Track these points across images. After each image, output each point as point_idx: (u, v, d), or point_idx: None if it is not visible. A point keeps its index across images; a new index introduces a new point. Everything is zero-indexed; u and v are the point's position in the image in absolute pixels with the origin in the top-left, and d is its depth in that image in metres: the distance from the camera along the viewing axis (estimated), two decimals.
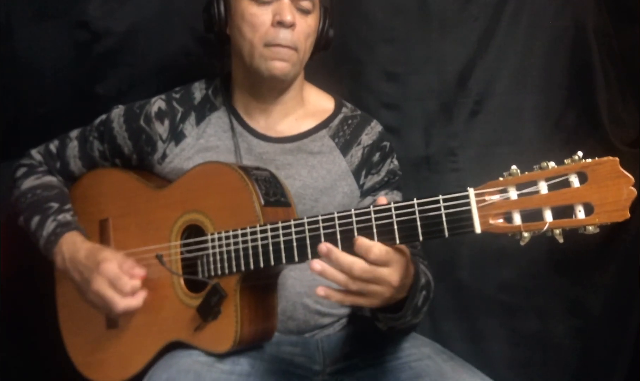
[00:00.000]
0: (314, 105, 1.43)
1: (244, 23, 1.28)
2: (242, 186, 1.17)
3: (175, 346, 1.22)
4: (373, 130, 1.42)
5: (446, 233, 0.97)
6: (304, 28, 1.29)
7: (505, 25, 1.72)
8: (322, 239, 1.07)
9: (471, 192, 0.97)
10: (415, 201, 1.00)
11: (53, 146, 1.46)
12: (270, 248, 1.12)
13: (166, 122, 1.37)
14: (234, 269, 1.16)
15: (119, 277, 1.21)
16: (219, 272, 1.18)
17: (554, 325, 1.75)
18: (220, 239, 1.18)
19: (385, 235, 1.02)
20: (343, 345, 1.35)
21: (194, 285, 1.22)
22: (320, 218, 1.07)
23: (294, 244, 1.10)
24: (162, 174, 1.36)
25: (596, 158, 0.89)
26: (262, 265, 1.13)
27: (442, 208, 0.98)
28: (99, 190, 1.40)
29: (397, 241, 1.01)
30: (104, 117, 1.42)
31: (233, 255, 1.16)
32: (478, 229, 0.96)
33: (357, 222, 1.04)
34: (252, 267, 1.14)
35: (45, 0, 1.69)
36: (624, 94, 1.74)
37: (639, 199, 0.90)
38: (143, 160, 1.38)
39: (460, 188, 1.69)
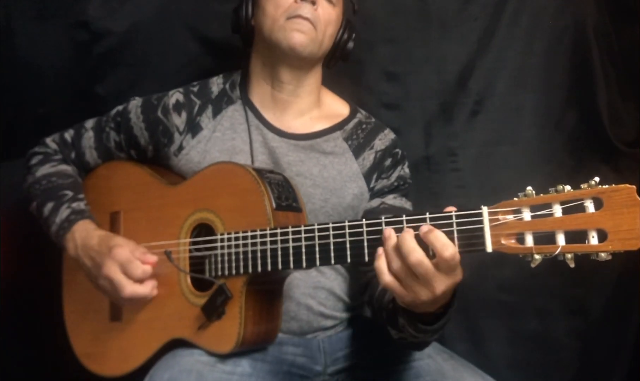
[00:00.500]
0: (329, 107, 1.45)
1: (269, 2, 1.32)
2: (254, 188, 1.17)
3: (177, 344, 1.22)
4: (386, 137, 1.43)
5: (457, 250, 0.96)
6: (326, 12, 1.33)
7: (505, 25, 1.72)
8: (332, 247, 1.06)
9: (485, 210, 0.96)
10: (427, 215, 0.99)
11: (68, 135, 1.46)
12: (279, 252, 1.12)
13: (183, 114, 1.37)
14: (241, 270, 1.16)
15: (131, 261, 1.22)
16: (226, 273, 1.18)
17: (554, 325, 1.75)
18: (229, 240, 1.18)
19: None
20: (344, 346, 1.35)
21: (200, 284, 1.22)
22: (330, 225, 1.07)
23: (303, 250, 1.10)
24: (177, 166, 1.36)
25: (613, 185, 0.89)
26: (269, 268, 1.13)
27: (455, 225, 0.97)
28: (113, 183, 1.41)
29: None
30: (120, 108, 1.42)
31: (241, 256, 1.16)
32: (489, 248, 0.95)
33: (368, 233, 1.03)
34: (259, 269, 1.14)
35: (45, 0, 1.69)
36: (624, 94, 1.74)
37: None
38: (159, 151, 1.38)
39: (460, 188, 1.72)
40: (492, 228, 0.95)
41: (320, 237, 1.08)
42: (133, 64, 1.71)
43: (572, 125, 1.75)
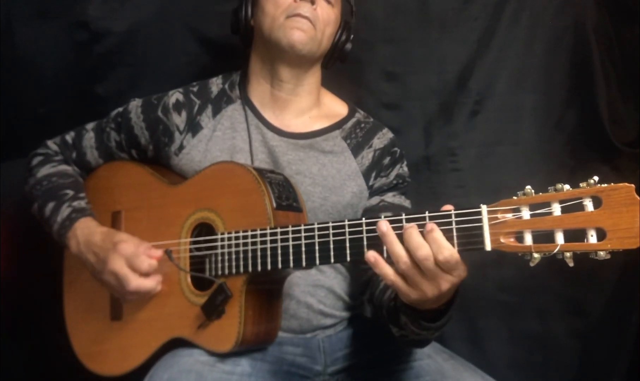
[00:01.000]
0: (328, 107, 1.46)
1: (269, 2, 1.33)
2: (255, 188, 1.18)
3: (177, 343, 1.22)
4: (385, 136, 1.44)
5: (456, 249, 0.96)
6: (325, 13, 1.34)
7: (505, 25, 1.72)
8: (332, 246, 1.07)
9: (484, 208, 0.96)
10: (427, 214, 0.99)
11: (69, 137, 1.46)
12: (279, 251, 1.12)
13: (183, 114, 1.37)
14: (241, 270, 1.16)
15: (137, 255, 1.22)
16: (226, 272, 1.18)
17: (554, 325, 1.75)
18: (229, 239, 1.18)
19: None
20: (344, 346, 1.35)
21: (200, 283, 1.22)
22: (330, 224, 1.07)
23: (303, 249, 1.10)
24: (178, 166, 1.36)
25: (612, 184, 0.88)
26: (269, 267, 1.13)
27: (454, 223, 0.97)
28: (114, 182, 1.41)
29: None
30: (120, 109, 1.43)
31: (241, 255, 1.16)
32: (488, 246, 0.95)
33: (368, 231, 1.03)
34: (259, 268, 1.14)
35: (45, 0, 1.69)
36: (624, 94, 1.74)
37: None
38: (160, 151, 1.38)
39: (460, 188, 1.72)
40: (491, 226, 0.95)
41: (320, 236, 1.08)
42: (133, 64, 1.71)
43: (572, 125, 1.75)
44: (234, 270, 1.17)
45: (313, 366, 1.32)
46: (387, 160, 1.41)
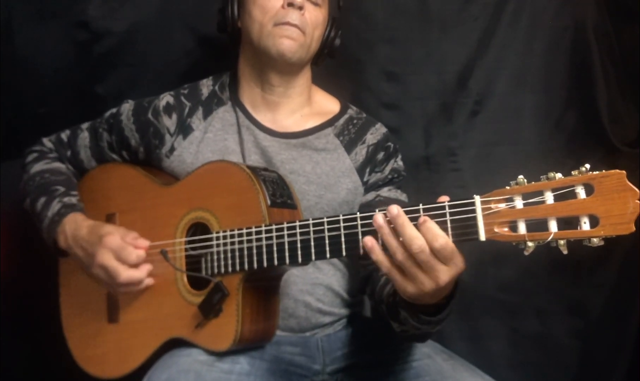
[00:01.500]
0: (320, 105, 1.46)
1: (255, 6, 1.32)
2: (249, 186, 1.18)
3: (175, 343, 1.22)
4: (378, 131, 1.44)
5: (450, 239, 0.96)
6: (313, 16, 1.33)
7: (505, 25, 1.72)
8: (327, 241, 1.07)
9: (477, 199, 0.96)
10: (420, 206, 0.98)
11: (64, 135, 1.47)
12: (275, 248, 1.12)
13: (174, 116, 1.38)
14: (237, 268, 1.16)
15: (124, 247, 1.23)
16: (222, 270, 1.18)
17: (554, 325, 1.75)
18: (225, 237, 1.18)
19: None
20: (343, 345, 1.35)
21: (197, 283, 1.22)
22: (325, 220, 1.07)
23: (298, 245, 1.10)
24: (170, 168, 1.36)
25: (603, 171, 0.89)
26: (265, 264, 1.14)
27: (448, 214, 0.97)
28: (108, 185, 1.41)
29: None
30: (114, 110, 1.44)
31: (237, 253, 1.16)
32: (483, 237, 0.95)
33: (362, 225, 1.03)
34: (255, 266, 1.15)
35: (45, 0, 1.69)
36: (624, 94, 1.74)
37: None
38: (150, 153, 1.38)
39: (460, 188, 1.72)
40: (485, 216, 0.95)
41: (315, 232, 1.08)
42: (133, 64, 1.71)
43: (572, 125, 1.75)
44: (230, 269, 1.17)
45: (312, 366, 1.32)
46: (381, 155, 1.41)
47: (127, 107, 1.42)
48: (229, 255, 1.17)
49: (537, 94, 1.74)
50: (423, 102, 1.74)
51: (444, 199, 0.99)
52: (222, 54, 1.70)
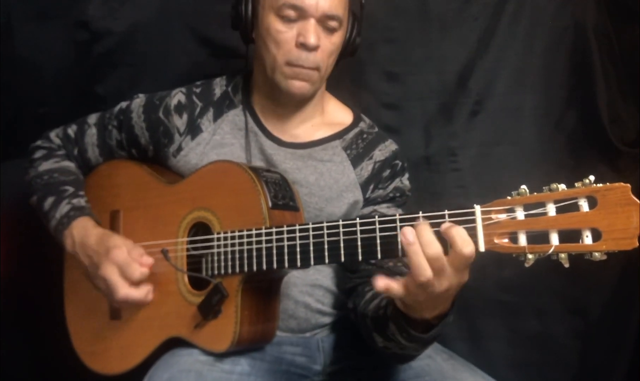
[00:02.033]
0: (332, 115, 1.43)
1: (269, 37, 1.26)
2: (251, 187, 1.17)
3: (175, 342, 1.22)
4: (387, 148, 1.40)
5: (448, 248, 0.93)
6: (328, 47, 1.27)
7: (505, 25, 1.72)
8: (326, 246, 1.06)
9: (477, 209, 0.94)
10: (420, 214, 0.98)
11: (71, 131, 1.45)
12: (274, 251, 1.12)
13: (184, 116, 1.36)
14: (237, 269, 1.16)
15: (129, 264, 1.22)
16: (222, 272, 1.18)
17: (554, 325, 1.75)
18: (225, 238, 1.18)
19: (387, 246, 1.01)
20: (344, 345, 1.35)
21: (197, 283, 1.22)
22: (325, 224, 1.07)
23: (297, 249, 1.10)
24: (175, 167, 1.36)
25: (607, 184, 0.87)
26: (264, 267, 1.13)
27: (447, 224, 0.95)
28: (113, 181, 1.41)
29: (399, 254, 1.00)
30: (124, 105, 1.42)
31: (237, 255, 1.16)
32: (482, 247, 0.93)
33: (362, 232, 1.03)
34: (254, 268, 1.14)
35: (45, 0, 1.69)
36: (624, 94, 1.74)
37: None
38: (159, 151, 1.38)
39: (460, 188, 1.72)
40: (485, 227, 0.93)
41: (314, 236, 1.08)
42: (133, 64, 1.71)
43: (572, 125, 1.75)
44: (229, 270, 1.17)
45: (312, 366, 1.32)
46: (387, 173, 1.38)
47: (138, 102, 1.40)
48: (229, 256, 1.17)
49: (537, 94, 1.74)
50: (423, 102, 1.74)
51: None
52: (223, 53, 1.71)
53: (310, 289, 1.32)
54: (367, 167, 1.37)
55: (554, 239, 0.89)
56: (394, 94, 1.74)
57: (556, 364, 1.75)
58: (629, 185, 0.86)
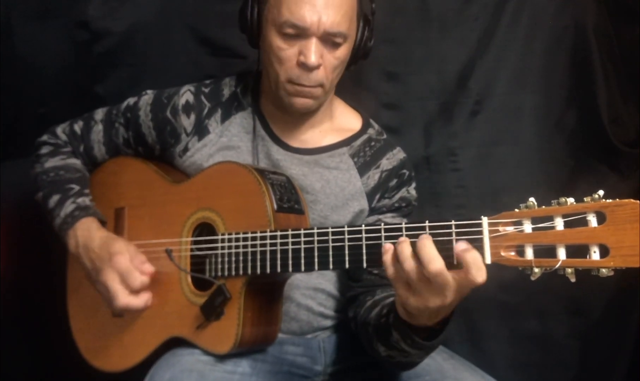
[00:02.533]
0: (340, 121, 1.41)
1: (271, 53, 1.24)
2: (256, 189, 1.17)
3: (176, 342, 1.22)
4: (395, 156, 1.39)
5: (455, 261, 0.92)
6: (332, 62, 1.24)
7: (505, 25, 1.72)
8: (330, 251, 1.06)
9: (485, 220, 0.93)
10: (427, 223, 0.97)
11: (77, 127, 1.45)
12: (278, 254, 1.12)
13: (192, 116, 1.35)
14: (240, 272, 1.16)
15: (131, 272, 1.21)
16: (226, 273, 1.18)
17: (554, 325, 1.75)
18: (229, 240, 1.18)
19: None
20: (345, 346, 1.35)
21: (200, 283, 1.22)
22: (330, 230, 1.07)
23: (302, 254, 1.09)
24: (182, 167, 1.36)
25: (617, 200, 0.86)
26: (268, 270, 1.13)
27: (454, 234, 0.95)
28: (119, 179, 1.41)
29: None
30: (131, 102, 1.41)
31: (241, 257, 1.16)
32: (488, 259, 0.93)
33: (367, 239, 1.03)
34: (258, 271, 1.14)
35: (45, 0, 1.69)
36: (624, 94, 1.74)
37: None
38: (165, 151, 1.37)
39: (460, 188, 1.72)
40: (491, 239, 0.93)
41: (319, 241, 1.07)
42: (133, 64, 1.71)
43: (572, 125, 1.75)
44: (233, 272, 1.17)
45: (313, 367, 1.32)
46: (393, 182, 1.37)
47: (146, 100, 1.39)
48: (233, 258, 1.17)
49: (537, 94, 1.74)
50: (423, 102, 1.74)
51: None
52: (223, 53, 1.71)
53: (312, 293, 1.32)
54: (373, 176, 1.36)
55: (561, 254, 0.88)
56: (394, 93, 1.73)
57: (556, 364, 1.75)
58: (638, 201, 0.85)
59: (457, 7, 1.72)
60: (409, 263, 0.93)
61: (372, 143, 1.39)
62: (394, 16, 1.72)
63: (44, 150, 1.43)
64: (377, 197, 1.36)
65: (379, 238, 1.01)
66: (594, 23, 1.72)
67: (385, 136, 1.42)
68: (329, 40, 1.22)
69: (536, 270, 0.90)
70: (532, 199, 0.91)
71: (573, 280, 0.88)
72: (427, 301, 0.94)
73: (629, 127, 1.74)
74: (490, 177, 1.73)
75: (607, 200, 0.86)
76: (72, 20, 1.68)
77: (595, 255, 0.87)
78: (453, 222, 0.95)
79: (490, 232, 0.93)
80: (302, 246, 1.09)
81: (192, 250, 1.24)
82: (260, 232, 1.14)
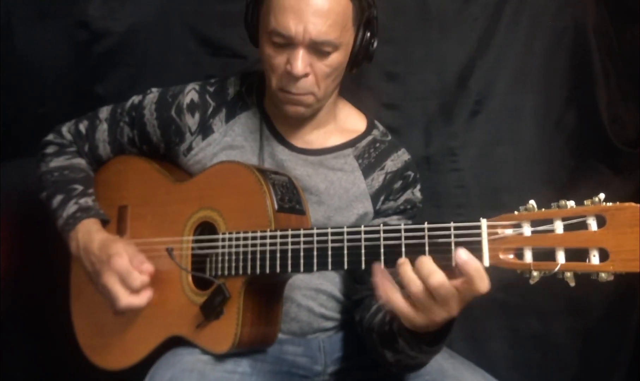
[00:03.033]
0: (345, 122, 1.41)
1: (264, 60, 1.25)
2: (257, 189, 1.17)
3: (176, 340, 1.22)
4: (399, 158, 1.39)
5: (453, 262, 0.92)
6: (322, 70, 1.23)
7: (505, 25, 1.72)
8: (330, 252, 1.06)
9: (484, 222, 0.93)
10: (425, 225, 0.97)
11: (82, 126, 1.45)
12: (278, 254, 1.12)
13: (197, 115, 1.35)
14: (240, 271, 1.16)
15: (130, 272, 1.21)
16: (226, 273, 1.18)
17: (554, 325, 1.75)
18: (230, 239, 1.18)
19: (391, 256, 0.99)
20: (345, 346, 1.35)
21: (201, 282, 1.22)
22: (329, 230, 1.06)
23: (301, 254, 1.09)
24: (185, 166, 1.36)
25: (617, 203, 0.85)
26: (267, 270, 1.13)
27: (452, 236, 0.94)
28: (122, 178, 1.41)
29: None
30: (136, 100, 1.41)
31: (241, 257, 1.16)
32: (487, 262, 0.92)
33: (366, 240, 1.02)
34: (257, 271, 1.14)
35: (45, 0, 1.69)
36: (624, 94, 1.74)
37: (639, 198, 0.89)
38: (170, 150, 1.37)
39: (460, 188, 1.72)
40: (490, 241, 0.92)
41: (318, 241, 1.07)
42: (133, 64, 1.71)
43: (572, 125, 1.75)
44: (233, 272, 1.17)
45: (313, 367, 1.32)
46: (398, 184, 1.36)
47: (151, 98, 1.39)
48: (233, 257, 1.17)
49: (537, 94, 1.74)
50: (423, 102, 1.74)
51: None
52: (223, 53, 1.71)
53: (314, 293, 1.32)
54: (378, 178, 1.35)
55: (561, 257, 0.88)
56: (394, 93, 1.73)
57: (556, 364, 1.75)
58: (638, 205, 0.84)
59: (457, 7, 1.72)
60: (415, 284, 0.92)
61: (377, 145, 1.39)
62: (394, 16, 1.72)
63: (49, 149, 1.44)
64: (382, 199, 1.35)
65: (378, 239, 1.01)
66: (594, 23, 1.72)
67: (389, 137, 1.42)
68: (316, 49, 1.20)
69: (535, 273, 0.90)
70: (532, 202, 0.90)
71: (572, 284, 0.88)
72: (433, 315, 0.93)
73: (629, 127, 1.74)
74: (490, 177, 1.73)
75: (608, 204, 0.85)
76: (72, 20, 1.68)
77: (594, 259, 0.86)
78: (452, 224, 0.95)
79: (489, 234, 0.92)
80: (302, 246, 1.09)
81: (193, 248, 1.25)
82: (260, 232, 1.14)
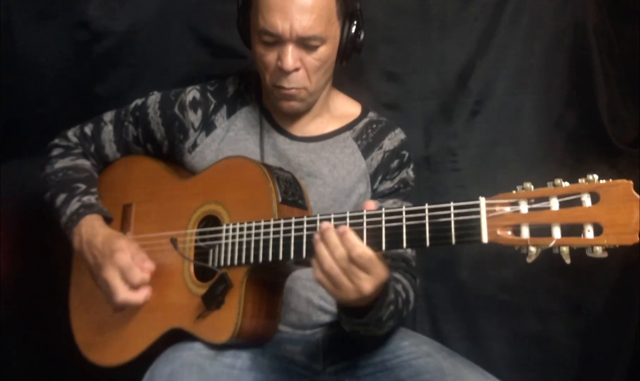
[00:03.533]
0: (340, 110, 1.45)
1: (257, 59, 1.31)
2: (262, 181, 1.19)
3: (176, 334, 1.23)
4: (396, 137, 1.44)
5: (453, 241, 0.97)
6: (312, 64, 1.28)
7: (505, 25, 1.72)
8: None
9: (482, 201, 0.96)
10: (426, 206, 1.00)
11: (88, 129, 1.47)
12: (280, 242, 1.13)
13: (199, 112, 1.39)
14: (243, 260, 1.17)
15: (131, 268, 1.23)
16: (229, 263, 1.19)
17: (554, 325, 1.75)
18: (234, 230, 1.19)
19: (393, 238, 1.03)
20: (344, 344, 1.35)
21: (203, 275, 1.23)
22: (332, 216, 1.09)
23: (304, 240, 1.11)
24: (190, 163, 1.38)
25: (610, 180, 0.89)
26: (270, 258, 1.14)
27: (452, 215, 0.98)
28: (127, 177, 1.43)
29: (404, 245, 1.03)
30: (139, 102, 1.44)
31: (244, 246, 1.18)
32: (485, 239, 0.95)
33: (368, 223, 1.05)
34: (260, 259, 1.15)
35: (45, 0, 1.69)
36: (624, 94, 1.74)
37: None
38: (174, 147, 1.40)
39: (460, 188, 1.72)
40: (489, 219, 0.95)
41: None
42: (133, 64, 1.71)
43: (572, 125, 1.75)
44: (235, 261, 1.18)
45: (312, 365, 1.32)
46: (394, 163, 1.41)
47: (154, 98, 1.42)
48: (236, 247, 1.18)
49: (537, 94, 1.74)
50: (423, 102, 1.74)
51: (370, 206, 1.06)
52: (223, 53, 1.71)
53: (313, 285, 1.31)
54: (377, 157, 1.40)
55: (556, 233, 0.91)
56: (394, 93, 1.74)
57: (556, 364, 1.75)
58: (631, 182, 0.88)
59: (457, 7, 1.72)
60: (339, 250, 1.02)
61: (374, 126, 1.43)
62: (394, 16, 1.72)
63: (55, 152, 1.45)
64: (379, 178, 1.39)
65: (380, 222, 1.04)
66: (594, 23, 1.72)
67: (385, 119, 1.47)
68: (304, 44, 1.26)
69: (532, 249, 0.93)
70: (529, 183, 0.95)
71: (568, 260, 0.91)
72: (347, 294, 1.04)
73: (629, 127, 1.74)
74: (490, 177, 1.73)
75: (601, 181, 0.89)
76: (72, 20, 1.68)
77: (589, 233, 0.89)
78: (452, 204, 0.99)
79: (488, 211, 0.96)
80: (304, 233, 1.11)
81: (196, 241, 1.26)
82: (264, 221, 1.16)
